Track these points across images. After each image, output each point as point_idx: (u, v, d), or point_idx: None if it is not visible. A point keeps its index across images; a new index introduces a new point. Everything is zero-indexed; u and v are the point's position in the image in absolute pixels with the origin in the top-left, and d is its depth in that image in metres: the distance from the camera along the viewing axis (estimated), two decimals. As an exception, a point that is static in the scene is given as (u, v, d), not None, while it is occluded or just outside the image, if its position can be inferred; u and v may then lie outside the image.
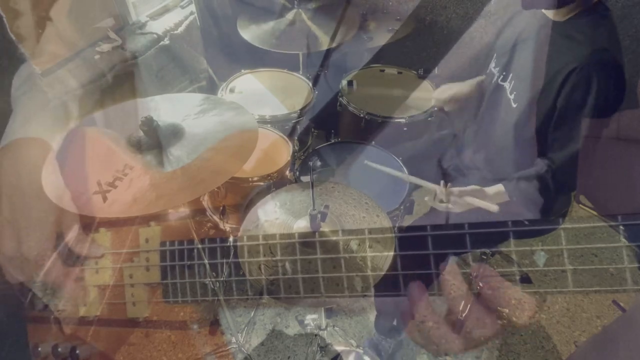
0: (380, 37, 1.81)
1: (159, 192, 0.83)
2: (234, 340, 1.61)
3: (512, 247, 0.52)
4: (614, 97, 1.04)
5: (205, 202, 1.47)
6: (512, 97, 1.20)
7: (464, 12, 1.97)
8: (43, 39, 1.05)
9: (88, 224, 0.73)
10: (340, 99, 1.64)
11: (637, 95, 1.44)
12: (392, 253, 0.77)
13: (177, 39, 1.88)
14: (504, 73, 1.24)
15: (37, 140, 0.77)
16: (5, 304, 0.73)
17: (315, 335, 1.45)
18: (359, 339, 1.64)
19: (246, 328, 1.70)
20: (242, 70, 1.76)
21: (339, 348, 1.54)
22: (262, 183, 1.34)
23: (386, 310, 1.49)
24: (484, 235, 0.48)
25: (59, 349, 0.70)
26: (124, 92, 1.58)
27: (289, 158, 1.40)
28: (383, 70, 1.79)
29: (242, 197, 1.37)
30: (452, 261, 0.51)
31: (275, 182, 1.35)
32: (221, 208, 1.40)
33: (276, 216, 0.98)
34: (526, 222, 0.47)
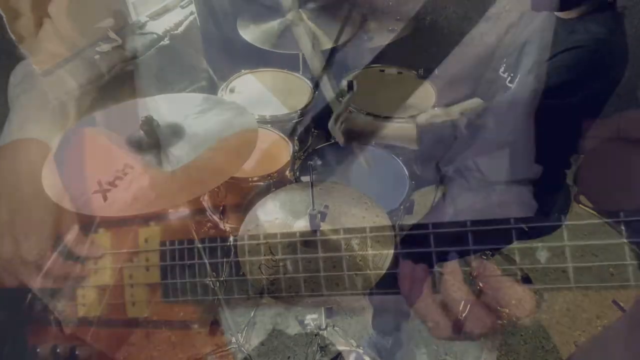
0: (381, 37, 1.81)
1: (159, 191, 0.83)
2: (234, 340, 1.61)
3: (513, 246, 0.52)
4: (605, 94, 1.05)
5: (205, 202, 1.47)
6: None
7: (464, 12, 1.97)
8: (42, 38, 1.05)
9: (87, 224, 0.73)
10: (340, 99, 1.64)
11: (637, 95, 1.44)
12: (392, 251, 0.77)
13: (177, 39, 1.88)
14: (512, 75, 1.24)
15: (36, 142, 0.77)
16: (4, 305, 0.73)
17: (315, 335, 1.45)
18: (359, 339, 1.64)
19: (246, 328, 1.70)
20: (242, 70, 1.76)
21: (339, 348, 1.54)
22: (262, 183, 1.33)
23: (383, 307, 1.49)
24: (487, 235, 0.47)
25: (58, 350, 0.70)
26: (124, 92, 1.58)
27: (289, 158, 1.40)
28: (383, 70, 1.78)
29: (242, 197, 1.37)
30: (453, 261, 0.50)
31: (275, 182, 1.35)
32: (221, 208, 1.40)
33: (276, 216, 0.98)
34: (525, 228, 0.47)
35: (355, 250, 0.84)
